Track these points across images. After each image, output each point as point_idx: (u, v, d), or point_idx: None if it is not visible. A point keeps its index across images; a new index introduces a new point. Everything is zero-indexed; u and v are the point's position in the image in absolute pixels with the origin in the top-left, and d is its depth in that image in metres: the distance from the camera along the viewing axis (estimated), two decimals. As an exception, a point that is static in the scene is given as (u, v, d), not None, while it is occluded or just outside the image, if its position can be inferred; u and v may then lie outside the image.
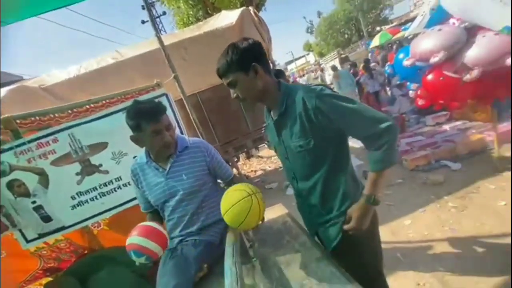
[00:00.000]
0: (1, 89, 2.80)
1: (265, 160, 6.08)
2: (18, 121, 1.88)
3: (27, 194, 1.94)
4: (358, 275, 1.06)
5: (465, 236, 2.10)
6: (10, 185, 1.91)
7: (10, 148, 1.85)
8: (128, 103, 2.09)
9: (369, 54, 13.27)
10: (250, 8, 3.42)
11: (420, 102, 2.86)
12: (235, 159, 4.20)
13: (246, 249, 1.23)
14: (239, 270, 0.81)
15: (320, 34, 28.34)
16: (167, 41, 2.39)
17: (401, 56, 3.01)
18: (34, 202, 1.96)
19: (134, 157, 2.05)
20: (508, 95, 2.38)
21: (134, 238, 1.08)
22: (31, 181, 1.92)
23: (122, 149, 2.09)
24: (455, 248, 2.01)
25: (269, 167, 5.57)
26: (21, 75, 9.72)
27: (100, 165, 2.04)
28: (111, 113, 2.05)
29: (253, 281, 1.01)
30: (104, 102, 2.08)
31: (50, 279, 2.32)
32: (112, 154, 2.07)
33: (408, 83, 2.97)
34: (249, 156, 6.51)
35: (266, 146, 5.28)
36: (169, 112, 2.22)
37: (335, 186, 1.04)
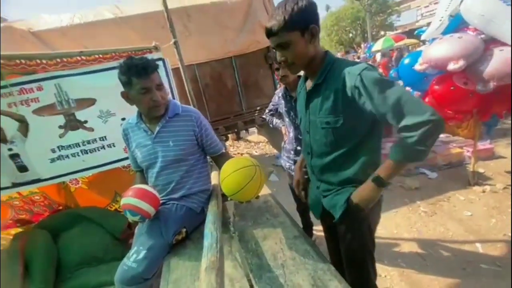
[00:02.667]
0: (-16, 27, 2.60)
1: (252, 145, 6.10)
2: (1, 62, 1.76)
3: (3, 140, 1.85)
4: (352, 250, 1.08)
5: (429, 238, 2.24)
6: (-14, 128, 1.82)
7: (-10, 89, 1.75)
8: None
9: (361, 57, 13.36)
10: (261, -14, 3.31)
11: None
12: (224, 138, 4.18)
13: (227, 222, 1.26)
14: (219, 234, 0.83)
15: (325, 28, 27.98)
16: (171, 4, 2.28)
17: (406, 61, 2.98)
18: (10, 149, 1.88)
19: (123, 119, 2.02)
20: (507, 111, 2.45)
21: (129, 199, 1.11)
22: (9, 127, 1.84)
23: (111, 109, 2.02)
24: (419, 248, 2.15)
25: (256, 152, 5.61)
26: (5, 18, 9.02)
27: (86, 121, 1.98)
28: (103, 70, 1.97)
29: (230, 250, 1.04)
30: (97, 56, 1.98)
31: (20, 230, 2.29)
32: (100, 112, 2.00)
33: (411, 90, 2.91)
34: (238, 138, 6.49)
35: (256, 131, 5.28)
36: (164, 78, 2.16)
37: (352, 168, 0.99)
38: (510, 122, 3.99)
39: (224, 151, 1.46)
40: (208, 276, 0.59)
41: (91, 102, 1.98)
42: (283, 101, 1.92)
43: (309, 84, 1.05)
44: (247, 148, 6.03)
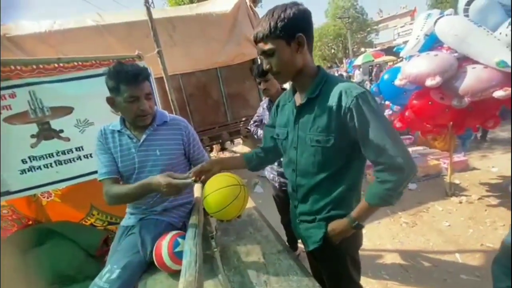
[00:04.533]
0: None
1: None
2: (-29, 67, 1.66)
3: (-32, 150, 1.72)
4: (333, 281, 1.07)
5: (411, 249, 2.27)
6: (-51, 136, 1.68)
7: (-44, 95, 1.63)
8: (102, 70, 1.96)
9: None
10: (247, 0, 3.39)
11: (398, 124, 2.98)
12: (209, 149, 4.12)
13: (208, 237, 1.21)
14: (199, 251, 0.79)
15: (308, 43, 28.94)
16: (155, 15, 2.27)
17: (386, 76, 3.10)
18: (-24, 159, 1.75)
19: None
20: (481, 126, 2.58)
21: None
22: (-24, 135, 1.71)
23: (89, 118, 1.94)
24: (402, 260, 2.17)
25: (241, 163, 5.57)
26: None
27: (61, 130, 1.88)
28: (82, 77, 1.90)
29: (211, 268, 0.99)
30: (75, 64, 1.91)
31: (-18, 247, 2.10)
32: (77, 121, 1.91)
33: (391, 104, 3.02)
34: (223, 149, 6.44)
35: (241, 142, 5.26)
36: (147, 87, 2.12)
37: (334, 192, 0.97)
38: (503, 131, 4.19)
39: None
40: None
41: (68, 110, 1.89)
42: (267, 113, 1.93)
43: (299, 97, 0.99)
44: (232, 159, 5.98)
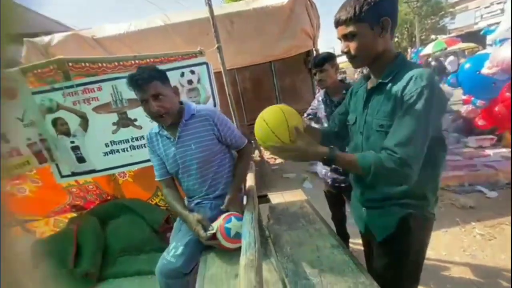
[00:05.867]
0: (57, 34, 2.99)
1: (287, 150, 6.03)
2: (70, 64, 2.00)
3: (67, 133, 2.09)
4: (397, 270, 0.98)
5: (486, 265, 1.97)
6: (54, 122, 2.07)
7: (60, 88, 1.99)
8: (170, 65, 2.15)
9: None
10: (304, -10, 3.29)
11: (481, 122, 2.54)
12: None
13: (261, 225, 1.25)
14: (256, 234, 0.82)
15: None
16: (215, 11, 2.38)
17: (467, 66, 2.67)
18: (72, 142, 2.12)
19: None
20: None
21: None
22: (73, 122, 2.07)
23: (157, 109, 2.16)
24: (474, 275, 1.90)
25: (290, 157, 5.53)
26: (73, 27, 10.27)
27: (135, 119, 2.14)
28: (153, 72, 2.12)
29: (264, 253, 1.03)
30: (148, 60, 2.14)
31: (75, 215, 2.55)
32: (148, 111, 2.15)
33: (472, 99, 2.54)
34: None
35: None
36: (207, 82, 2.26)
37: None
38: None
39: (246, 145, 1.40)
40: (247, 274, 0.59)
41: (141, 102, 2.14)
42: (322, 105, 1.87)
43: (372, 82, 0.96)
44: (281, 153, 5.98)
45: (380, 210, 0.96)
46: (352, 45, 0.86)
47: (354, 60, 0.90)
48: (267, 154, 5.95)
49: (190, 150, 1.24)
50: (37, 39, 2.98)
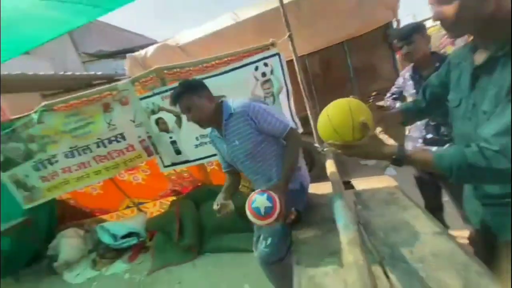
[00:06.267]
0: (150, 47, 3.53)
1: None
2: (165, 71, 2.36)
3: (167, 130, 2.49)
4: None
5: None
6: (156, 122, 2.49)
7: (159, 93, 2.38)
8: (245, 60, 2.29)
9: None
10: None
11: None
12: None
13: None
14: (351, 215, 0.84)
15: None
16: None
17: None
18: (171, 137, 2.51)
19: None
20: None
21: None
22: (170, 120, 2.45)
23: (235, 103, 2.35)
24: None
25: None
26: (155, 39, 11.79)
27: (219, 114, 2.38)
28: (230, 70, 2.30)
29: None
30: (226, 59, 2.33)
31: (174, 198, 3.04)
32: (228, 106, 2.36)
33: None
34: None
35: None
36: (279, 72, 2.32)
37: None
38: None
39: (289, 132, 1.35)
40: (353, 249, 0.62)
41: (221, 98, 2.36)
42: (411, 82, 1.68)
43: (479, 58, 0.75)
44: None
45: (502, 207, 0.79)
46: (449, 9, 0.67)
47: (453, 27, 0.72)
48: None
49: (236, 145, 1.35)
50: (136, 54, 3.59)
